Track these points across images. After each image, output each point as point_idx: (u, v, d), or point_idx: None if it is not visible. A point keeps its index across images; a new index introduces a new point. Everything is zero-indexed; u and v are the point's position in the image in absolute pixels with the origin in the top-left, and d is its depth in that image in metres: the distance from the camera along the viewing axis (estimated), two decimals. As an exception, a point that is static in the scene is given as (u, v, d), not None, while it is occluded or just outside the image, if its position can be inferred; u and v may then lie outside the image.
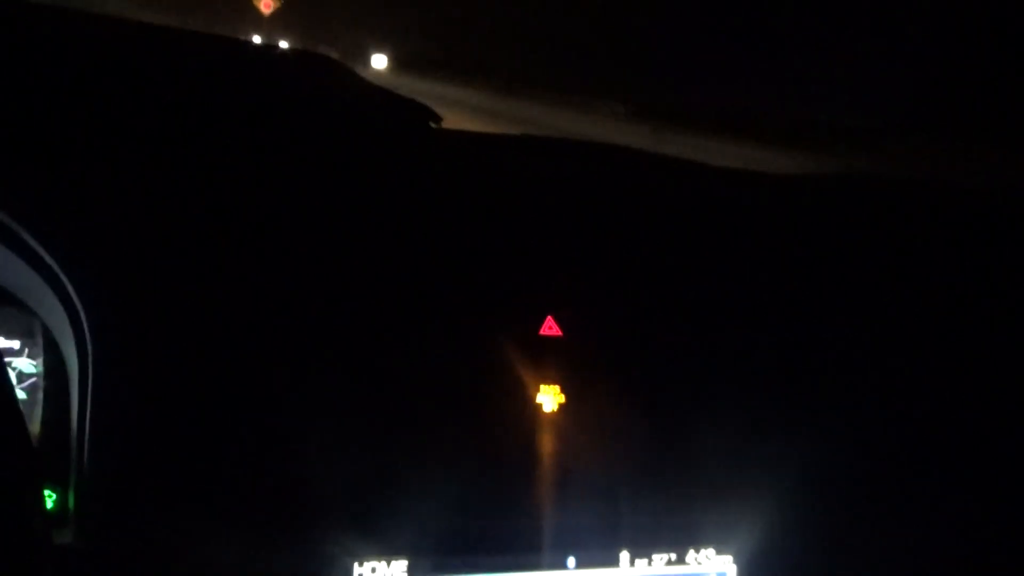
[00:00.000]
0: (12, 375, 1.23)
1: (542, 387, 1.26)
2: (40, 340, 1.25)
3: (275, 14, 12.47)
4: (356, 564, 1.17)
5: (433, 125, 1.50)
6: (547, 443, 1.26)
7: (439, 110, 1.46)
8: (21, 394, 1.23)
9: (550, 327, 1.27)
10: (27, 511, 0.79)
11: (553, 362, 1.26)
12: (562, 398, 1.26)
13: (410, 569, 1.19)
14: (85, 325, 1.12)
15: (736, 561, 1.30)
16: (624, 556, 1.27)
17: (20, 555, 0.77)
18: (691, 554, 1.29)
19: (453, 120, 1.51)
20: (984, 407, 1.44)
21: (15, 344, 1.26)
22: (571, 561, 1.26)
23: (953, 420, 1.42)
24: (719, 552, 1.30)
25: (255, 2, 12.34)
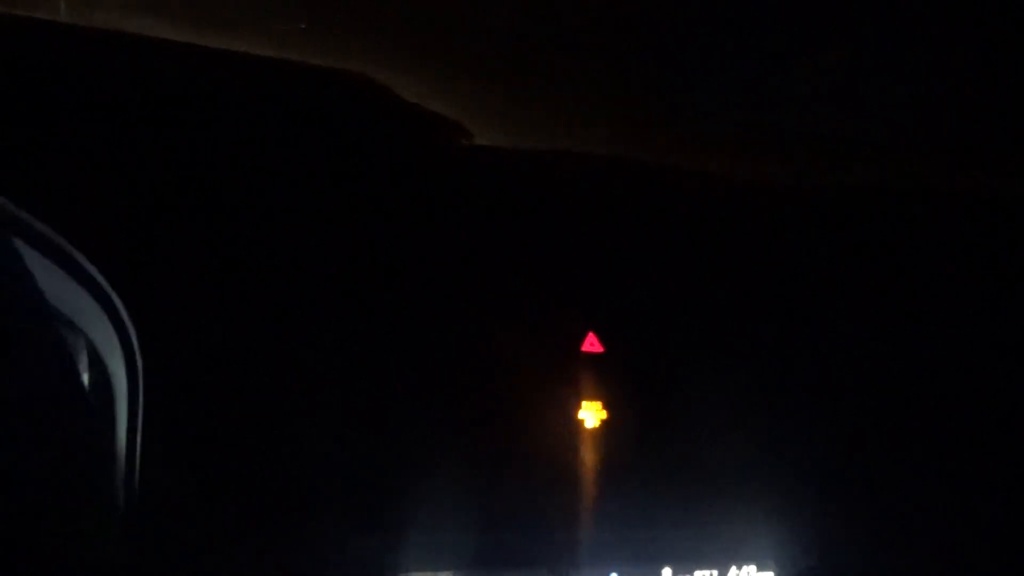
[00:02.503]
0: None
1: (584, 403, 1.27)
2: (85, 357, 1.27)
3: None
4: (403, 575, 1.18)
5: (466, 142, 1.50)
6: (589, 459, 1.26)
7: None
8: (68, 410, 1.24)
9: (592, 343, 1.28)
10: (93, 522, 0.81)
11: (595, 378, 1.27)
12: (604, 414, 1.27)
13: (455, 582, 1.20)
14: (135, 343, 1.13)
15: (778, 577, 1.31)
16: (666, 573, 1.27)
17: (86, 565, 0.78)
18: (733, 571, 1.29)
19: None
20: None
21: (62, 361, 1.27)
22: (614, 577, 1.26)
23: (990, 431, 1.42)
24: (760, 568, 1.30)
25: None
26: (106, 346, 1.22)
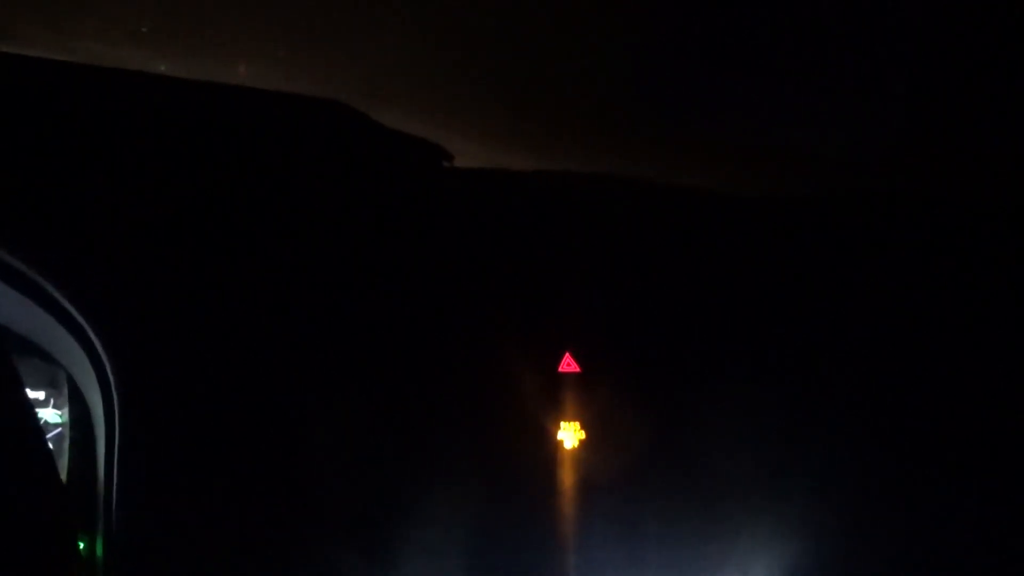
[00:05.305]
0: (38, 426, 1.25)
1: (562, 424, 1.27)
2: (65, 391, 1.27)
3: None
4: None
5: (446, 164, 1.51)
6: (568, 479, 1.26)
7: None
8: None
9: (569, 363, 1.28)
10: (64, 558, 0.81)
11: (573, 398, 1.27)
12: (582, 434, 1.27)
13: (434, 605, 1.19)
14: (110, 375, 1.14)
15: (761, 592, 1.30)
16: (649, 589, 1.27)
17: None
18: (716, 586, 1.29)
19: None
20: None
21: (40, 395, 1.27)
22: (595, 596, 1.26)
23: (973, 444, 1.42)
24: (744, 583, 1.30)
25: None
26: (84, 379, 1.23)
